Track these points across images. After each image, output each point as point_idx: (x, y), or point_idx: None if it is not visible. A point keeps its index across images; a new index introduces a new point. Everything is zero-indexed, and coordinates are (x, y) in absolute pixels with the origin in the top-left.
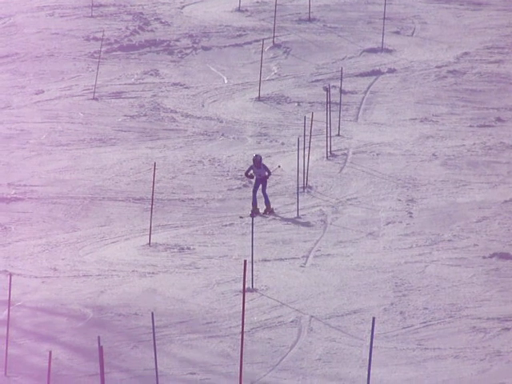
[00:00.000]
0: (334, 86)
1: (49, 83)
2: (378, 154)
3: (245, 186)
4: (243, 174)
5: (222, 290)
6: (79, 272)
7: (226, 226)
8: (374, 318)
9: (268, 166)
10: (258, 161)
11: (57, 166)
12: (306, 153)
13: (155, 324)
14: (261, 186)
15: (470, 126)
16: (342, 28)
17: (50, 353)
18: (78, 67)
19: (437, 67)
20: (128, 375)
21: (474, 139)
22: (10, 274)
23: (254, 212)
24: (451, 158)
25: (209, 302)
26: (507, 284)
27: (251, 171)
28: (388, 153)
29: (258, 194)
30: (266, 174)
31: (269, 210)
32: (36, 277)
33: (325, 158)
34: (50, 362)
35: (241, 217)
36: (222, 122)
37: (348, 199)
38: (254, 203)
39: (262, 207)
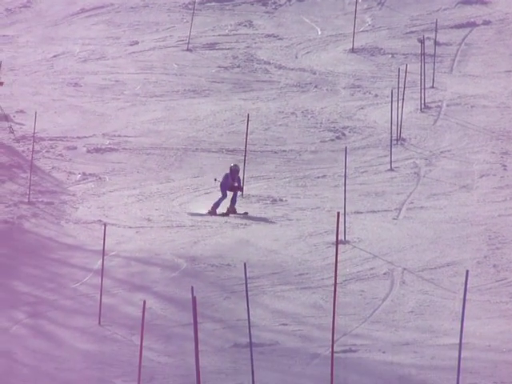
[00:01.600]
0: (428, 38)
1: (143, 34)
2: (472, 107)
3: (338, 138)
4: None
5: (315, 242)
6: (173, 222)
7: (318, 177)
8: (467, 271)
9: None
10: (237, 171)
11: (151, 117)
12: (400, 105)
13: (248, 275)
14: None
15: None
16: None
17: (144, 302)
18: (172, 18)
19: None
20: (221, 325)
21: None
22: (105, 224)
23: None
24: None
25: (301, 254)
26: None
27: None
28: (482, 105)
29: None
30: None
31: (232, 210)
32: (130, 227)
33: (419, 110)
34: (143, 312)
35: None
36: (315, 73)
37: (442, 152)
38: (223, 198)
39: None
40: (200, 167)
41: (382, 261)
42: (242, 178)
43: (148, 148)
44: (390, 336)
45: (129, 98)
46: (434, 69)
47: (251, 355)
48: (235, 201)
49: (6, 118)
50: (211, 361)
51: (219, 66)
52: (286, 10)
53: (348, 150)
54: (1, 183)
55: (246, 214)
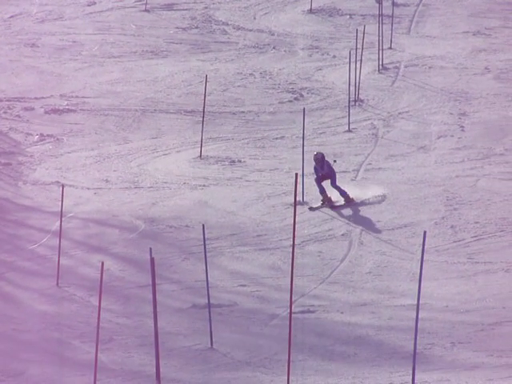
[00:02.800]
0: None
1: None
2: (430, 68)
3: (296, 99)
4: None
5: (273, 203)
6: (131, 184)
7: (276, 138)
8: (425, 232)
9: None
10: (319, 159)
11: (109, 78)
12: (358, 66)
13: (206, 236)
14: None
15: None
16: None
17: (102, 264)
18: None
19: None
20: (179, 286)
21: None
22: (63, 186)
23: (326, 200)
24: (504, 72)
25: (259, 215)
26: None
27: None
28: (440, 66)
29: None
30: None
31: (349, 199)
32: (88, 188)
33: (376, 72)
34: (102, 273)
35: (310, 208)
36: (273, 34)
37: (399, 113)
38: (322, 191)
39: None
40: (158, 128)
41: (340, 222)
42: (202, 137)
43: (106, 109)
44: (347, 297)
45: (86, 58)
46: (391, 30)
47: (209, 316)
48: (338, 188)
49: None
50: (170, 322)
51: (177, 27)
52: None
53: (306, 111)
54: None
55: (352, 201)
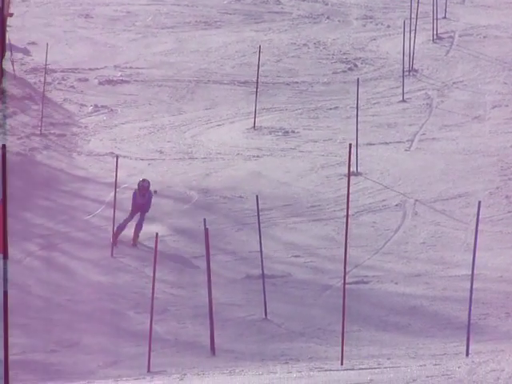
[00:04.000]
0: None
1: None
2: (484, 37)
3: (350, 69)
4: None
5: (327, 174)
6: (185, 155)
7: (330, 109)
8: (479, 202)
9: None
10: (145, 187)
11: (162, 49)
12: (412, 36)
13: (260, 207)
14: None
15: None
16: None
17: (157, 234)
18: None
19: None
20: (233, 257)
21: None
22: (117, 156)
23: (114, 243)
24: None
25: (313, 186)
26: None
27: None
28: (495, 35)
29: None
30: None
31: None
32: (142, 159)
33: (431, 41)
34: (156, 244)
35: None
36: (327, 4)
37: (454, 82)
38: (121, 229)
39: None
40: (212, 99)
41: (394, 192)
42: (256, 107)
43: (160, 80)
44: (401, 267)
45: (140, 29)
46: None
47: (263, 287)
48: (140, 226)
49: (10, 49)
50: (224, 292)
51: None
52: None
53: (360, 82)
54: (13, 115)
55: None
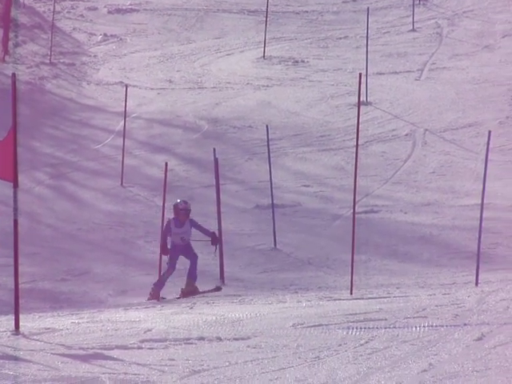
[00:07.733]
0: None
1: None
2: None
3: None
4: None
5: (336, 104)
6: (194, 84)
7: (340, 38)
8: (489, 132)
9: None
10: (184, 209)
11: None
12: None
13: (269, 136)
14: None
15: None
16: None
17: (166, 164)
18: None
19: None
20: (243, 187)
21: None
22: (126, 86)
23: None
24: None
25: (323, 115)
26: None
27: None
28: None
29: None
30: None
31: (191, 291)
32: (151, 88)
33: None
34: (166, 173)
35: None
36: None
37: (464, 11)
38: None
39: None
40: (221, 28)
41: (404, 122)
42: (266, 37)
43: (169, 9)
44: (411, 197)
45: None
46: None
47: (273, 216)
48: (194, 274)
49: None
50: (233, 222)
51: None
52: None
53: (370, 11)
54: (22, 44)
55: (218, 289)
